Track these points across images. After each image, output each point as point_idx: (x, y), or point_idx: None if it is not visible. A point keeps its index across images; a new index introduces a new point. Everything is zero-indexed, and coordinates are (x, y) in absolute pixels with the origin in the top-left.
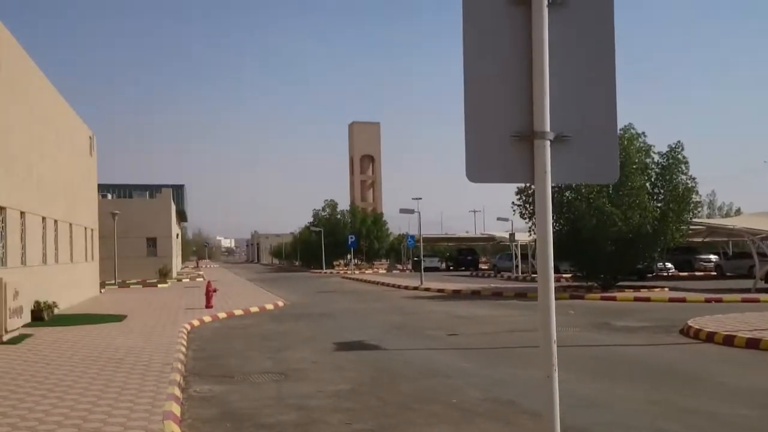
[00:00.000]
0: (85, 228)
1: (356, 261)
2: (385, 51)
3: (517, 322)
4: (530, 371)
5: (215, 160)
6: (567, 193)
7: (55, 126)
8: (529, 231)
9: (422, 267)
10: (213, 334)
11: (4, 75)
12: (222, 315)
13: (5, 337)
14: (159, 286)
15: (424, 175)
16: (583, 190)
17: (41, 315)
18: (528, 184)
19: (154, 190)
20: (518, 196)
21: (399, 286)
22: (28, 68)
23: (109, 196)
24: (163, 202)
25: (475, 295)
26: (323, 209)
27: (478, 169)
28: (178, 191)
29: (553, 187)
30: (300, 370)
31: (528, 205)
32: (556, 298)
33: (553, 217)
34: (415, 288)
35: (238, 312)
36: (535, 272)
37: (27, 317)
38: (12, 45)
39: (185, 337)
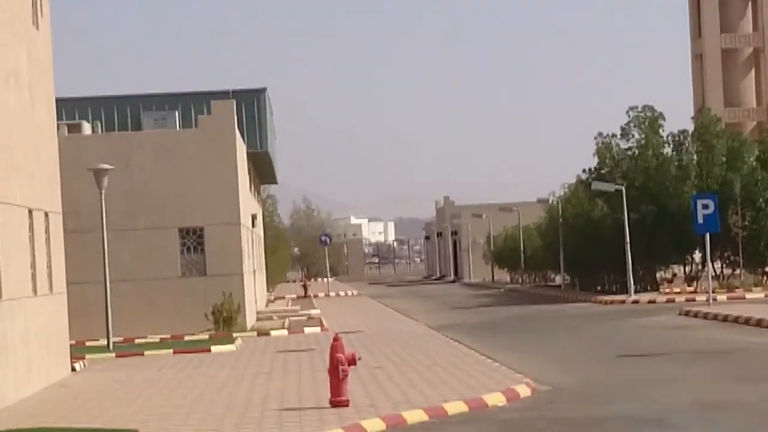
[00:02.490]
0: (30, 212)
1: (724, 264)
2: None
3: None
4: None
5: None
6: None
7: None
8: None
9: None
10: None
11: None
12: (374, 425)
13: None
14: (214, 349)
15: None
16: None
17: None
18: None
19: (193, 104)
20: None
21: None
22: None
23: (87, 128)
24: (216, 133)
25: None
26: (622, 133)
27: None
28: (250, 105)
29: None
30: None
31: None
32: None
33: None
34: None
35: (412, 416)
36: None
37: None
38: None
39: None
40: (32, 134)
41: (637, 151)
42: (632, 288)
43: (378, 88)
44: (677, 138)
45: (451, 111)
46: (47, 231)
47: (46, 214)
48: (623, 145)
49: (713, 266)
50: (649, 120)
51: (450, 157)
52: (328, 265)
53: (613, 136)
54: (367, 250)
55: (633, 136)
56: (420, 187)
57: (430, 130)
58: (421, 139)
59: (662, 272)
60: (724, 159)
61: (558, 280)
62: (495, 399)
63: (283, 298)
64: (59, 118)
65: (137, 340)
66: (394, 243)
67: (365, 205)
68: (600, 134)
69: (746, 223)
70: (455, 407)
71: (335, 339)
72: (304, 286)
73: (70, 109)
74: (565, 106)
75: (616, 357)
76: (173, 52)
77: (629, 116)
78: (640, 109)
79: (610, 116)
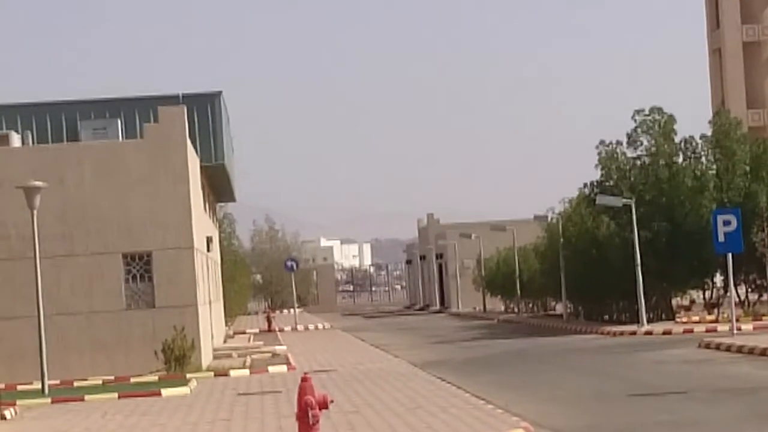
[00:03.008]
0: None
1: (749, 288)
2: None
3: None
4: None
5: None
6: None
7: None
8: None
9: None
10: None
11: None
12: None
13: None
14: (165, 392)
15: None
16: None
17: None
18: None
19: (137, 111)
20: None
21: None
22: None
23: (16, 139)
24: (165, 144)
25: None
26: (628, 140)
27: None
28: (204, 112)
29: None
30: None
31: None
32: None
33: None
34: None
35: None
36: None
37: None
38: None
39: None
40: None
41: (646, 161)
42: (644, 317)
43: (350, 91)
44: (692, 144)
45: (434, 117)
46: None
47: None
48: (630, 153)
49: (737, 291)
50: (658, 124)
51: (434, 169)
52: (295, 295)
53: (618, 143)
54: (339, 277)
55: (641, 143)
56: (400, 204)
57: (411, 140)
58: (400, 149)
59: (678, 299)
60: (747, 168)
61: (559, 308)
62: None
63: (244, 332)
64: None
65: (76, 383)
66: (371, 268)
67: (337, 225)
68: (602, 142)
69: None
70: None
71: (304, 379)
72: (268, 319)
73: None
74: (564, 111)
75: (625, 396)
76: (116, 53)
77: (636, 121)
78: (647, 113)
79: (617, 122)
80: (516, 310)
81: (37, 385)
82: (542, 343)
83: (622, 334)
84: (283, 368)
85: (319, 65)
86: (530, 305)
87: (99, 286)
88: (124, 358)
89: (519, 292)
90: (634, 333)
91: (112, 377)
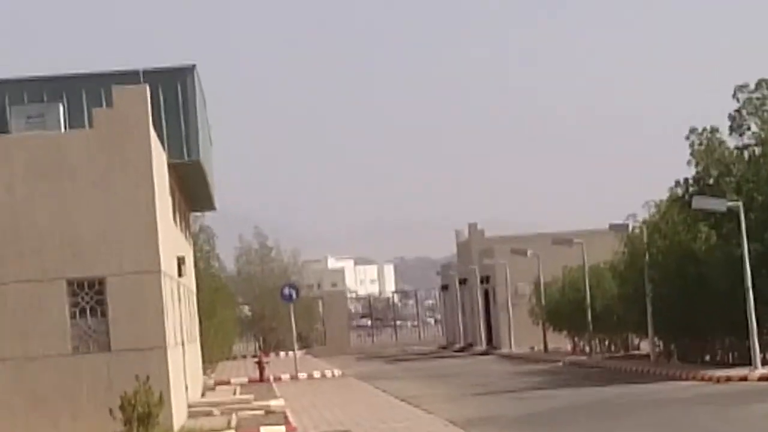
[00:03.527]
0: None
1: None
2: None
3: None
4: None
5: None
6: None
7: None
8: None
9: None
10: None
11: None
12: None
13: None
14: None
15: None
16: None
17: None
18: None
19: (85, 92)
20: None
21: None
22: None
23: None
24: (120, 135)
25: None
26: (731, 125)
27: None
28: (172, 92)
29: None
30: None
31: None
32: None
33: None
34: None
35: None
36: None
37: None
38: None
39: None
40: None
41: (756, 151)
42: (758, 357)
43: (363, 68)
44: None
45: (475, 107)
46: None
47: None
48: (734, 142)
49: None
50: None
51: (475, 168)
52: (294, 332)
53: (714, 131)
54: (353, 308)
55: (747, 128)
56: (431, 212)
57: (445, 131)
58: (431, 141)
59: None
60: None
61: (645, 347)
62: None
63: (229, 383)
64: None
65: None
66: (395, 296)
67: (349, 240)
68: (693, 130)
69: None
70: None
71: None
72: (260, 365)
73: None
74: (637, 93)
75: None
76: (57, 19)
77: (738, 100)
78: (753, 89)
79: (704, 106)
80: (588, 349)
81: None
82: (623, 393)
83: (728, 379)
84: (281, 429)
85: (330, 28)
86: (606, 343)
87: (36, 324)
88: (70, 417)
89: (591, 325)
90: (744, 378)
91: None
